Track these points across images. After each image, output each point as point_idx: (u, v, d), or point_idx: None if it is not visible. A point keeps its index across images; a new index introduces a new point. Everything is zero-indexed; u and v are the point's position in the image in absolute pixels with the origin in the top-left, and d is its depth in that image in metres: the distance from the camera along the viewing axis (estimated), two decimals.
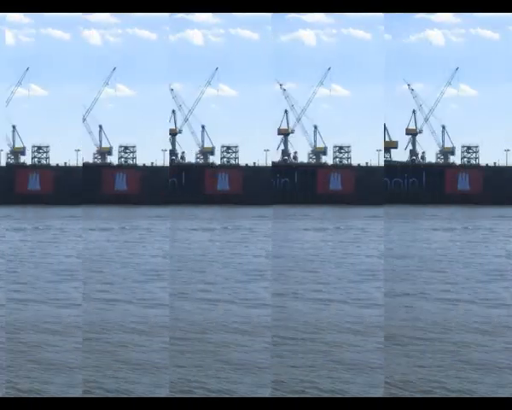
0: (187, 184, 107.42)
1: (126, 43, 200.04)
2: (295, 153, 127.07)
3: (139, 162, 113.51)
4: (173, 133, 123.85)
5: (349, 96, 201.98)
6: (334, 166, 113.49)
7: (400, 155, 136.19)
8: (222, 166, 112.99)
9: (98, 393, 11.15)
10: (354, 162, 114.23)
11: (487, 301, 19.86)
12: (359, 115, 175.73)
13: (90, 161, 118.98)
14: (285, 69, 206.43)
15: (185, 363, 13.14)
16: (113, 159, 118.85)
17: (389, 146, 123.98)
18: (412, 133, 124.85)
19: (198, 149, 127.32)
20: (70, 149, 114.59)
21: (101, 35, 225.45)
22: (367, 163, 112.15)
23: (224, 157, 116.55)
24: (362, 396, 11.12)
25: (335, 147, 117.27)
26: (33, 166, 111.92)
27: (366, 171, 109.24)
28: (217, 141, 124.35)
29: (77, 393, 11.01)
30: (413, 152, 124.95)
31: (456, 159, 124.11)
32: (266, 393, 11.19)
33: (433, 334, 15.61)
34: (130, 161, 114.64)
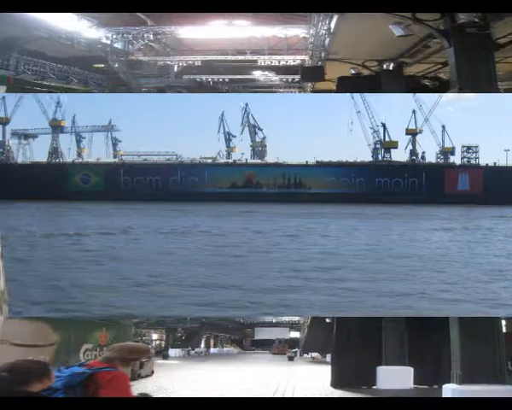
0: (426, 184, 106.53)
1: None
2: (423, 153, 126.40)
3: (482, 162, 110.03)
4: (413, 133, 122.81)
5: (476, 96, 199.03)
6: (462, 167, 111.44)
7: (400, 155, 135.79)
8: (462, 166, 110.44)
9: None
10: (482, 162, 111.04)
11: (487, 301, 19.83)
12: (487, 116, 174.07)
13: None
14: None
15: None
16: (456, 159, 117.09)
17: (389, 146, 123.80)
18: (412, 133, 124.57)
19: (438, 149, 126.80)
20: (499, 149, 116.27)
21: None
22: (495, 163, 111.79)
23: (464, 157, 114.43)
24: (362, 396, 11.11)
25: (463, 147, 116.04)
26: (462, 166, 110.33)
27: (493, 171, 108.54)
28: (457, 141, 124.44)
29: None
30: (413, 152, 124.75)
31: (456, 159, 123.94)
32: None
33: None
34: (472, 161, 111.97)
